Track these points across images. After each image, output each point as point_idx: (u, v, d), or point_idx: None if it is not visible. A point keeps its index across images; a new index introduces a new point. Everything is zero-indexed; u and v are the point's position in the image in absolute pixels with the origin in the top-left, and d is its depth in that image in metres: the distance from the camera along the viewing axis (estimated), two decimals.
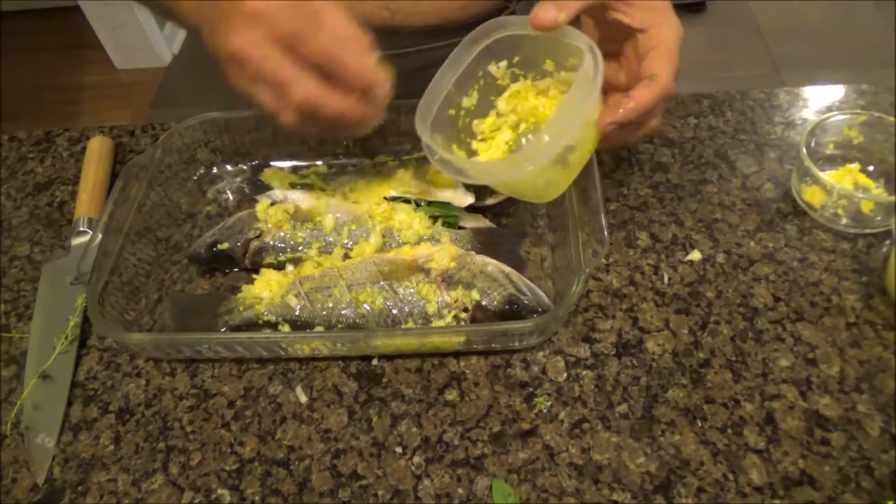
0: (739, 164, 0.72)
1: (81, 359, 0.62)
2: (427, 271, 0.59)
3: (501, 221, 0.68)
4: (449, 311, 0.58)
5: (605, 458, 0.53)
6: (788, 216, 0.67)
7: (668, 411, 0.55)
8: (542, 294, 0.59)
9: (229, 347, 0.58)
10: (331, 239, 0.64)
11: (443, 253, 0.60)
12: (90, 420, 0.58)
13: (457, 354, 0.59)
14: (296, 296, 0.59)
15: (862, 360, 0.57)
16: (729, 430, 0.54)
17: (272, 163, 0.74)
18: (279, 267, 0.64)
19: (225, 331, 0.60)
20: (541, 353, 0.59)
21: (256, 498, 0.52)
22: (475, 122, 0.62)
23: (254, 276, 0.63)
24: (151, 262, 0.67)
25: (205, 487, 0.53)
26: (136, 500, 0.53)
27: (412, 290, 0.59)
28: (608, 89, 0.59)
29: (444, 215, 0.66)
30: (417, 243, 0.63)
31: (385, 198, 0.66)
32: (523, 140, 0.61)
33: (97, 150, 0.75)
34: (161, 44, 2.45)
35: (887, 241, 0.64)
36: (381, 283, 0.59)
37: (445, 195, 0.66)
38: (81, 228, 0.69)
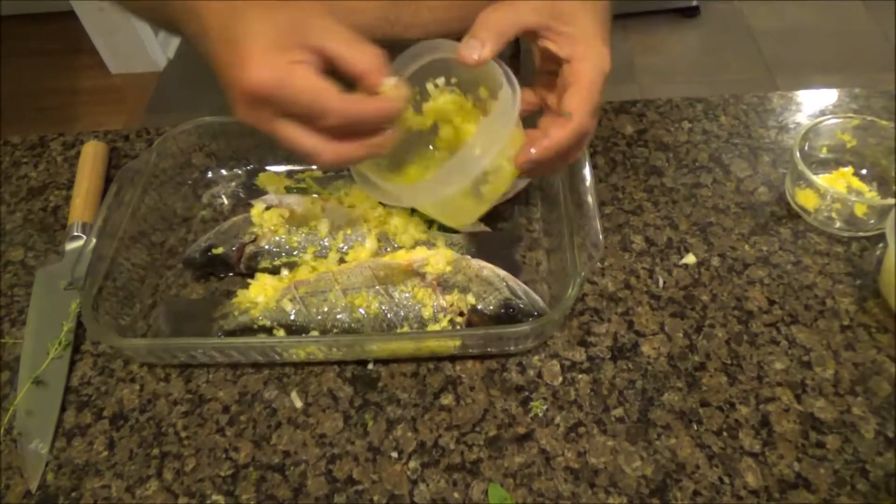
0: (733, 167, 0.73)
1: (75, 364, 0.61)
2: (422, 275, 0.59)
3: (497, 225, 0.68)
4: (444, 316, 0.58)
5: (600, 462, 0.53)
6: (782, 219, 0.67)
7: (664, 415, 0.55)
8: (537, 298, 0.59)
9: (224, 352, 0.58)
10: (326, 243, 0.64)
11: (438, 257, 0.60)
12: (84, 426, 0.57)
13: (452, 359, 0.59)
14: (291, 300, 0.59)
15: (856, 362, 0.57)
16: (724, 434, 0.54)
17: (267, 167, 0.74)
18: (274, 271, 0.64)
19: (220, 335, 0.60)
20: (536, 357, 0.59)
21: (251, 503, 0.52)
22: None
23: (249, 280, 0.63)
24: (146, 266, 0.66)
25: (199, 493, 0.53)
26: None
27: (408, 295, 0.59)
28: (545, 111, 0.59)
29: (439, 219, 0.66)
30: (413, 247, 0.63)
31: (380, 202, 0.66)
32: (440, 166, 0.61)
33: (91, 154, 0.75)
34: (156, 49, 2.45)
35: (881, 245, 0.64)
36: (377, 287, 0.59)
37: None
38: (75, 233, 0.69)
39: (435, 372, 0.59)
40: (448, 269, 0.60)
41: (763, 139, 0.75)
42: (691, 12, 2.47)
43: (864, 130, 0.68)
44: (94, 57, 2.45)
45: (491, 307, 0.58)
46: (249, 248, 0.64)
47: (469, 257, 0.62)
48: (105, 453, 0.56)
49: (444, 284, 0.59)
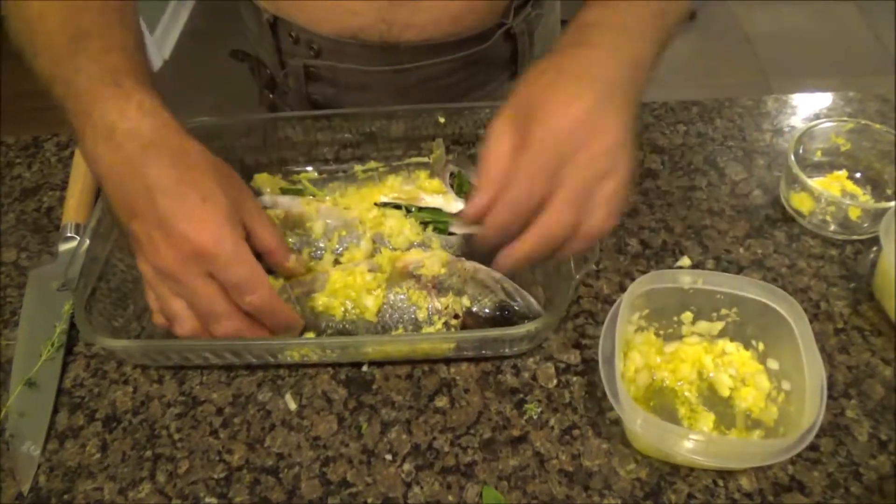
0: (728, 170, 0.73)
1: (68, 366, 0.61)
2: (417, 277, 0.59)
3: None
4: (439, 318, 0.58)
5: (595, 465, 0.53)
6: (777, 223, 0.68)
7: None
8: (532, 300, 0.59)
9: (218, 354, 0.57)
10: (321, 244, 0.64)
11: (433, 259, 0.60)
12: (76, 428, 0.57)
13: (447, 361, 0.59)
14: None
15: (850, 365, 0.57)
16: None
17: (263, 169, 0.74)
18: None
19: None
20: (531, 360, 0.59)
21: None
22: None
23: None
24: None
25: (192, 496, 0.53)
26: None
27: (402, 297, 0.58)
28: None
29: (434, 221, 0.65)
30: (408, 249, 0.63)
31: (375, 204, 0.66)
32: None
33: None
34: (152, 49, 2.45)
35: (875, 248, 0.64)
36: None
37: (436, 201, 0.66)
38: (69, 234, 0.68)
39: (429, 374, 0.58)
40: (443, 271, 0.59)
41: (758, 142, 0.75)
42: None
43: (858, 134, 0.68)
44: None
45: (486, 309, 0.58)
46: None
47: (464, 259, 0.61)
48: (98, 455, 0.55)
49: (438, 286, 0.59)
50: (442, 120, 0.70)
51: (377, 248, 0.64)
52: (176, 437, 0.56)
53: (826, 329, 0.59)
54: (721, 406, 0.55)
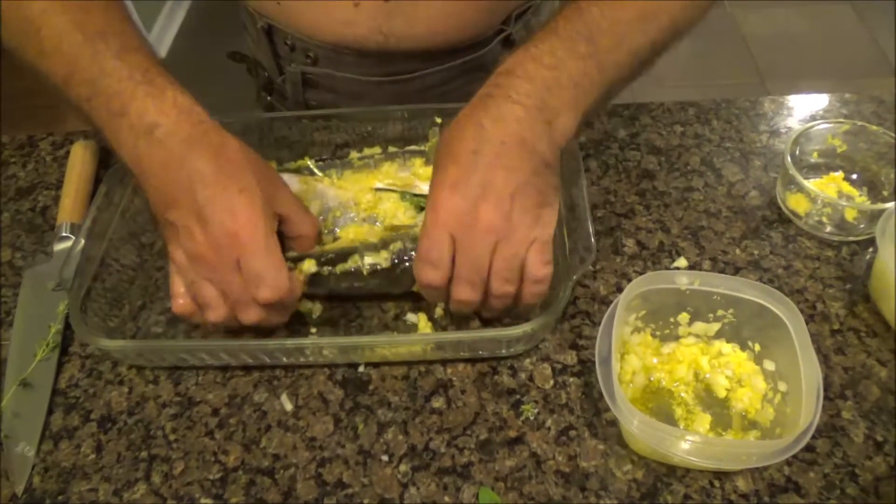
0: (725, 171, 0.73)
1: (63, 366, 0.61)
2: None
3: None
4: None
5: (591, 466, 0.53)
6: (773, 224, 0.68)
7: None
8: None
9: (214, 354, 0.57)
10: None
11: None
12: (71, 428, 0.57)
13: (444, 362, 0.59)
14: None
15: (846, 366, 0.57)
16: None
17: None
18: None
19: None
20: (528, 360, 0.59)
21: None
22: None
23: None
24: (135, 268, 0.66)
25: (188, 497, 0.53)
26: None
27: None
28: None
29: None
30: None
31: (372, 188, 0.66)
32: None
33: (81, 154, 0.75)
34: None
35: (871, 249, 0.65)
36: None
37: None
38: (64, 234, 0.68)
39: (426, 375, 0.58)
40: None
41: (754, 143, 0.75)
42: None
43: (854, 135, 0.69)
44: None
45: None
46: None
47: None
48: (93, 456, 0.55)
49: None
50: (439, 120, 0.70)
51: (371, 229, 0.64)
52: (171, 437, 0.56)
53: (822, 330, 0.60)
54: (717, 407, 0.55)
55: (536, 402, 0.56)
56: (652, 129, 0.78)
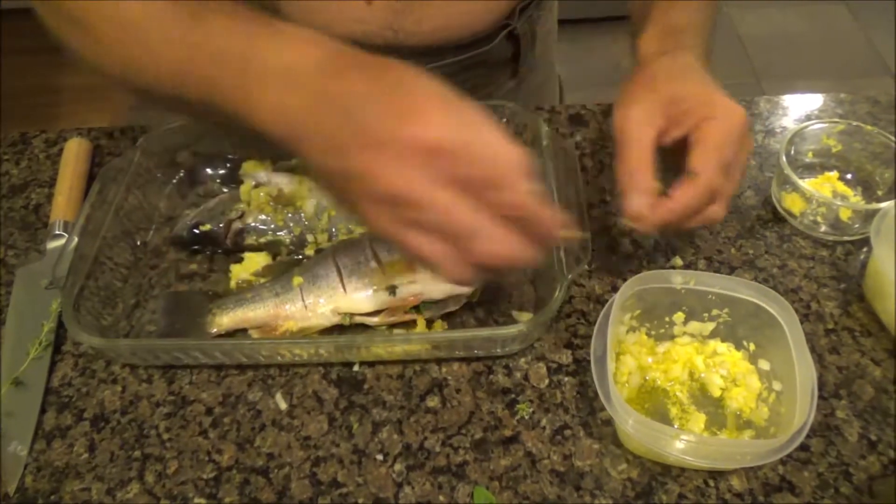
0: None
1: (56, 365, 0.60)
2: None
3: None
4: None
5: (586, 465, 0.53)
6: (768, 223, 0.68)
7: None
8: None
9: (208, 353, 0.57)
10: (312, 224, 0.64)
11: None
12: (64, 427, 0.57)
13: (438, 361, 0.59)
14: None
15: (840, 366, 0.57)
16: None
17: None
18: (259, 249, 0.65)
19: (214, 332, 0.60)
20: (523, 360, 0.59)
21: None
22: None
23: (241, 255, 0.64)
24: (129, 266, 0.66)
25: (181, 496, 0.52)
26: None
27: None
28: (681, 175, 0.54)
29: None
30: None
31: None
32: None
33: (74, 152, 0.74)
34: None
35: (865, 249, 0.65)
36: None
37: None
38: (57, 232, 0.68)
39: (421, 374, 0.58)
40: None
41: None
42: None
43: (849, 135, 0.69)
44: None
45: None
46: (236, 225, 0.65)
47: None
48: (86, 455, 0.55)
49: None
50: None
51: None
52: (165, 436, 0.56)
53: (817, 329, 0.60)
54: (712, 406, 0.55)
55: (531, 401, 0.56)
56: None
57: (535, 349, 0.59)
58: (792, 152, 0.68)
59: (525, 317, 0.60)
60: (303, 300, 0.58)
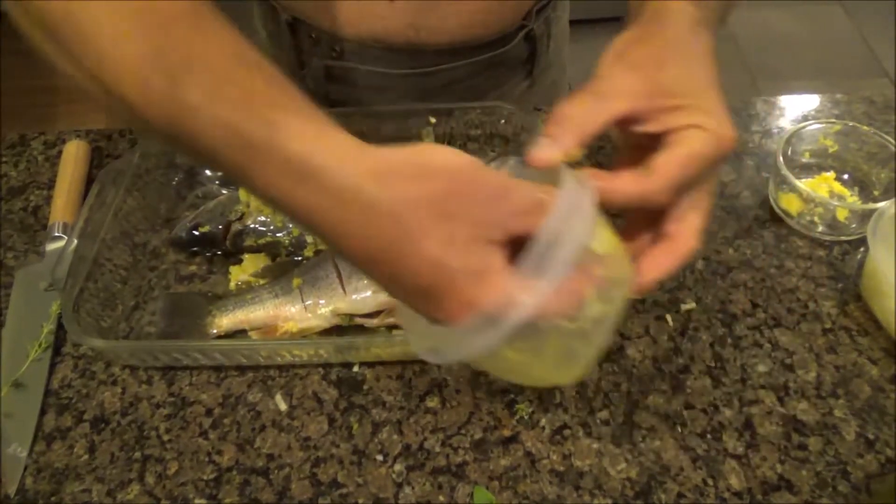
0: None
1: (55, 366, 0.60)
2: None
3: None
4: None
5: (585, 465, 0.53)
6: (766, 223, 0.68)
7: (649, 417, 0.55)
8: None
9: (207, 355, 0.57)
10: None
11: None
12: (64, 429, 0.57)
13: None
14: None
15: (838, 365, 0.58)
16: (708, 436, 0.54)
17: None
18: (258, 250, 0.65)
19: (214, 333, 0.60)
20: None
21: None
22: None
23: (241, 257, 0.65)
24: (128, 267, 0.66)
25: (182, 497, 0.52)
26: None
27: None
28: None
29: None
30: None
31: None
32: None
33: (73, 154, 0.74)
34: None
35: (862, 249, 0.65)
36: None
37: None
38: (56, 234, 0.68)
39: (420, 374, 0.58)
40: None
41: (747, 144, 0.76)
42: None
43: (845, 136, 0.69)
44: None
45: None
46: (235, 226, 0.65)
47: None
48: (86, 457, 0.55)
49: None
50: (433, 120, 0.70)
51: None
52: (165, 438, 0.56)
53: (814, 329, 0.60)
54: None
55: (531, 401, 0.56)
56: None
57: None
58: (789, 153, 0.68)
59: None
60: (302, 301, 0.59)
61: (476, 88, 0.80)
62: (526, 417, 0.55)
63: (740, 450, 0.53)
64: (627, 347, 0.59)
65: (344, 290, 0.58)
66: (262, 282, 0.62)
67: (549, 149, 0.42)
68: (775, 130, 0.77)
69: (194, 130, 0.37)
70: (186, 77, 0.37)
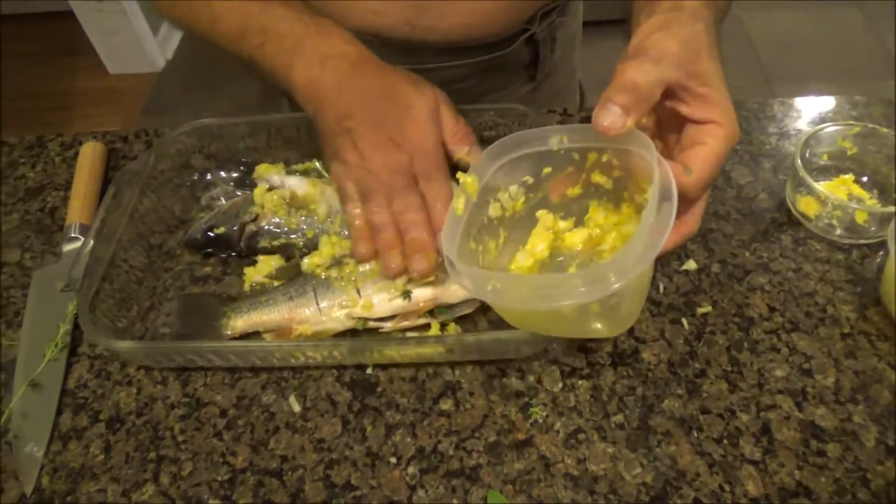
0: (734, 174, 0.72)
1: (72, 367, 0.61)
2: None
3: None
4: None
5: (600, 469, 0.52)
6: (783, 226, 0.67)
7: (664, 422, 0.55)
8: None
9: (222, 356, 0.57)
10: (324, 227, 0.64)
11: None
12: (80, 429, 0.57)
13: (452, 364, 0.59)
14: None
15: (857, 370, 0.57)
16: (725, 441, 0.53)
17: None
18: (272, 252, 0.65)
19: (227, 334, 0.60)
20: (536, 363, 0.58)
21: None
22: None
23: (254, 258, 0.65)
24: (144, 269, 0.66)
25: (196, 498, 0.53)
26: None
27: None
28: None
29: None
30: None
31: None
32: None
33: (90, 155, 0.75)
34: (154, 49, 2.45)
35: (881, 252, 0.64)
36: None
37: None
38: (73, 235, 0.68)
39: (434, 377, 0.58)
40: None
41: (764, 146, 0.75)
42: None
43: (864, 138, 0.68)
44: (92, 57, 2.45)
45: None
46: (249, 228, 0.65)
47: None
48: (101, 457, 0.55)
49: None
50: None
51: None
52: (179, 438, 0.56)
53: (832, 334, 0.59)
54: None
55: (545, 404, 0.56)
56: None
57: (548, 353, 0.59)
58: (807, 155, 0.67)
59: None
60: (317, 304, 0.59)
61: (474, 90, 0.80)
62: (540, 421, 0.55)
63: (757, 455, 0.52)
64: (642, 351, 0.59)
65: (359, 293, 0.58)
66: (276, 283, 0.62)
67: (620, 118, 0.46)
68: (792, 132, 0.76)
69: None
70: None
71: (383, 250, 0.56)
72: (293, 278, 0.61)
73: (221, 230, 0.65)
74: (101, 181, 0.74)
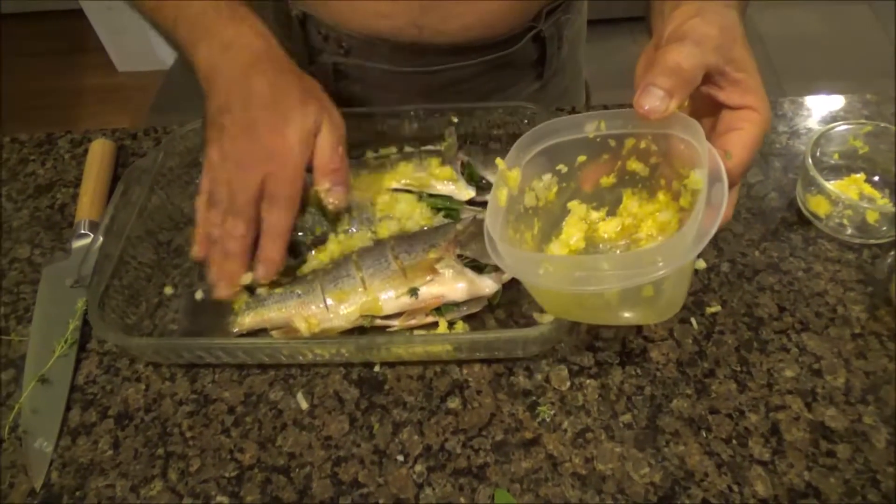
0: None
1: (81, 363, 0.61)
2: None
3: None
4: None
5: (608, 469, 0.52)
6: (793, 226, 0.67)
7: (673, 421, 0.54)
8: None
9: (230, 353, 0.57)
10: (331, 224, 0.64)
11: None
12: (89, 425, 0.57)
13: (459, 362, 0.59)
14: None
15: (867, 371, 0.56)
16: (734, 441, 0.53)
17: None
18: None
19: (235, 332, 0.60)
20: (544, 362, 0.58)
21: None
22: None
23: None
24: (153, 265, 0.66)
25: (204, 494, 0.53)
26: None
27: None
28: None
29: (445, 208, 0.66)
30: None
31: (388, 189, 0.66)
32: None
33: (99, 152, 0.75)
34: (163, 47, 2.45)
35: (892, 252, 0.64)
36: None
37: (447, 188, 0.66)
38: (82, 231, 0.68)
39: (441, 375, 0.58)
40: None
41: (774, 144, 0.75)
42: None
43: (875, 137, 0.68)
44: (101, 55, 2.45)
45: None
46: None
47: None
48: (110, 452, 0.55)
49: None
50: (455, 119, 0.70)
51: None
52: (188, 435, 0.56)
53: (843, 334, 0.59)
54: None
55: (552, 403, 0.56)
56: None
57: (556, 351, 0.59)
58: (817, 154, 0.67)
59: (546, 319, 0.60)
60: (324, 301, 0.59)
61: (482, 89, 0.80)
62: (548, 420, 0.55)
63: (766, 456, 0.52)
64: (651, 350, 0.59)
65: (364, 286, 0.58)
66: (284, 281, 0.62)
67: (663, 102, 0.46)
68: (803, 131, 0.76)
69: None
70: None
71: (209, 260, 0.58)
72: (301, 276, 0.62)
73: None
74: (110, 178, 0.74)
